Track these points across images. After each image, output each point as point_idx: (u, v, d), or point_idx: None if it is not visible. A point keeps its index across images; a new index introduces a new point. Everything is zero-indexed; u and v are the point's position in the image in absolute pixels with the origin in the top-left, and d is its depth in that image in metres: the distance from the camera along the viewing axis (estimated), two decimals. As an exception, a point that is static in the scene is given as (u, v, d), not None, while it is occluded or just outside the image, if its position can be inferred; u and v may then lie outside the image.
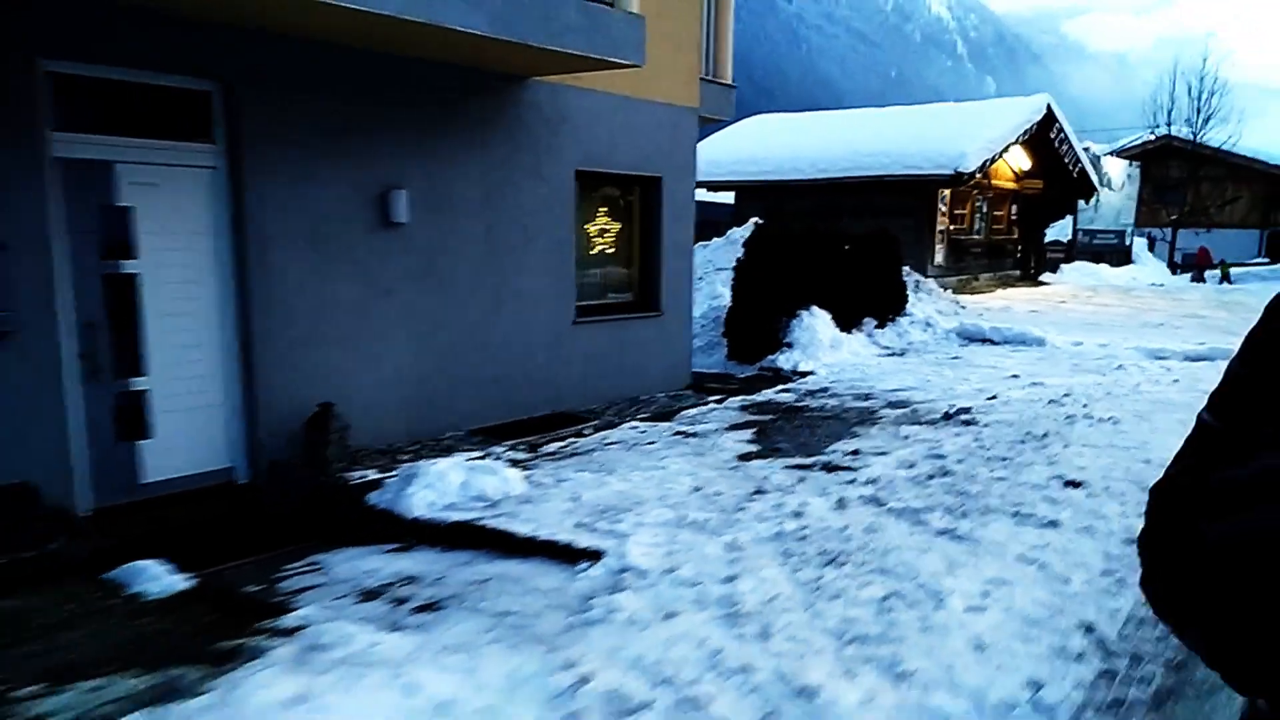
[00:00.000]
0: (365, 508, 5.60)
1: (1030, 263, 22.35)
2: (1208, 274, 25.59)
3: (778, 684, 2.90)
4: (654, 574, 3.99)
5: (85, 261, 5.34)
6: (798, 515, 4.75)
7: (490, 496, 5.53)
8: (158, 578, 4.30)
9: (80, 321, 5.32)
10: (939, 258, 18.49)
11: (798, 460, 6.19)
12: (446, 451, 6.70)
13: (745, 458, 6.33)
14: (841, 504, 4.95)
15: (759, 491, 5.33)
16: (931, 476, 5.57)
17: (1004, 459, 6.03)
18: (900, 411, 7.98)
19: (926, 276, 16.32)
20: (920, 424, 7.42)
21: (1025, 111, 18.23)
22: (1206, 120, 32.64)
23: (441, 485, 5.60)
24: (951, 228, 18.88)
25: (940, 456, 6.13)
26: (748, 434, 7.20)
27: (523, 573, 4.32)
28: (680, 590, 3.78)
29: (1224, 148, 32.01)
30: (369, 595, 4.15)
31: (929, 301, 14.90)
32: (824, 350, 11.00)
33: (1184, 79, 33.30)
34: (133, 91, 5.47)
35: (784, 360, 10.70)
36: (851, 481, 5.51)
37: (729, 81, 10.28)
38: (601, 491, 5.48)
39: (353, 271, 6.52)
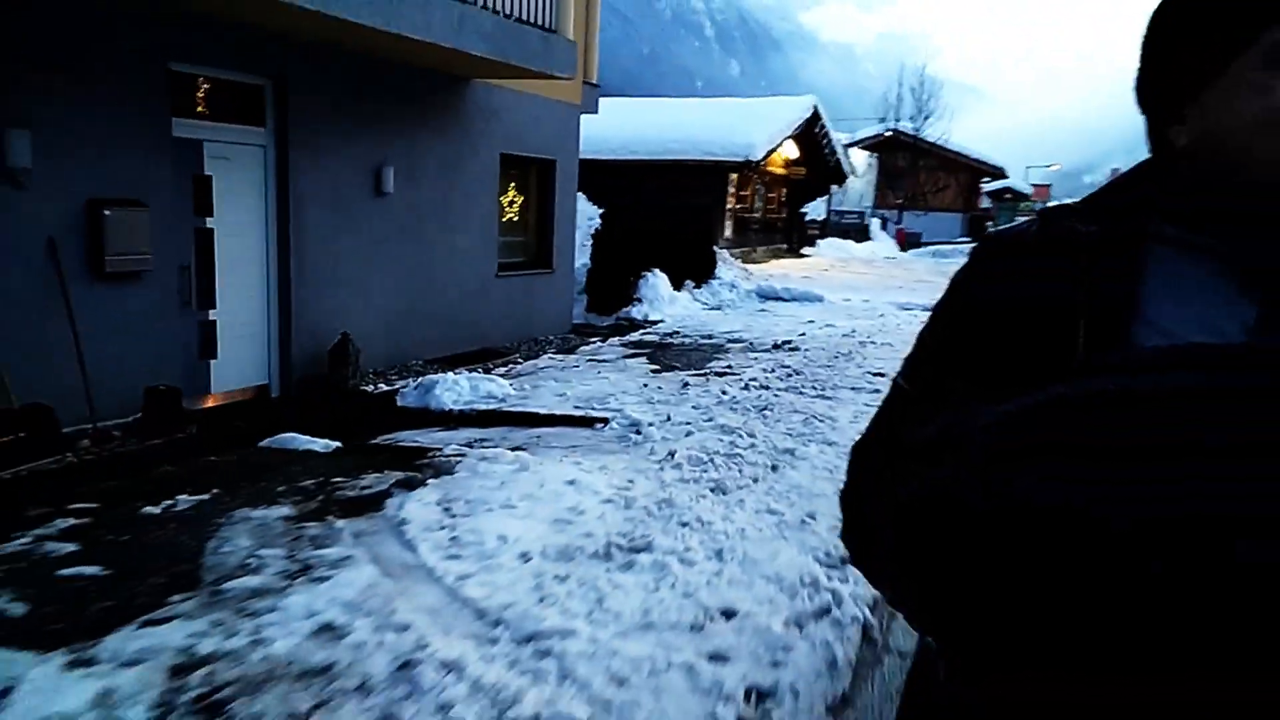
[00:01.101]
0: (400, 408, 7.55)
1: (794, 238, 26.49)
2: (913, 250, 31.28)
3: (771, 450, 5.48)
4: (656, 423, 6.45)
5: (183, 218, 6.88)
6: (723, 393, 7.38)
7: (496, 395, 7.68)
8: (310, 443, 6.16)
9: (179, 265, 6.87)
10: (728, 232, 21.85)
11: (693, 372, 8.81)
12: (417, 374, 8.68)
13: (655, 372, 8.86)
14: (746, 387, 7.65)
15: (685, 385, 7.91)
16: (790, 374, 8.42)
17: (828, 365, 9.02)
18: (741, 344, 10.84)
19: (719, 248, 19.53)
20: (760, 351, 10.29)
21: (798, 109, 21.95)
22: (926, 117, 38.95)
23: (457, 389, 7.67)
24: (737, 206, 22.33)
25: (786, 366, 9.00)
26: (643, 359, 9.73)
27: (560, 432, 6.59)
28: (680, 427, 6.27)
29: (939, 142, 38.41)
30: (468, 445, 6.26)
31: (727, 268, 18.09)
32: (665, 304, 13.73)
33: (909, 81, 39.27)
34: (214, 85, 7.02)
35: (636, 312, 13.31)
36: (740, 379, 8.22)
37: (595, 81, 12.62)
38: (577, 389, 7.81)
39: (356, 228, 8.31)
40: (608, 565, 3.67)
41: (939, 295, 0.96)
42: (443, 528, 4.08)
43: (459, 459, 5.46)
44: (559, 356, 9.94)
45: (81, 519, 4.25)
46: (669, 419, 6.53)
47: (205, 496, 4.63)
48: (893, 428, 0.92)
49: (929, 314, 0.96)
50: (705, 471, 5.08)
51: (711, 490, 4.74)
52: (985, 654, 0.76)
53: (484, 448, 5.82)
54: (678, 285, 14.77)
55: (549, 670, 2.81)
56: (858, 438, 0.97)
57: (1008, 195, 40.06)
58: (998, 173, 41.22)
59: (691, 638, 3.08)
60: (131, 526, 4.15)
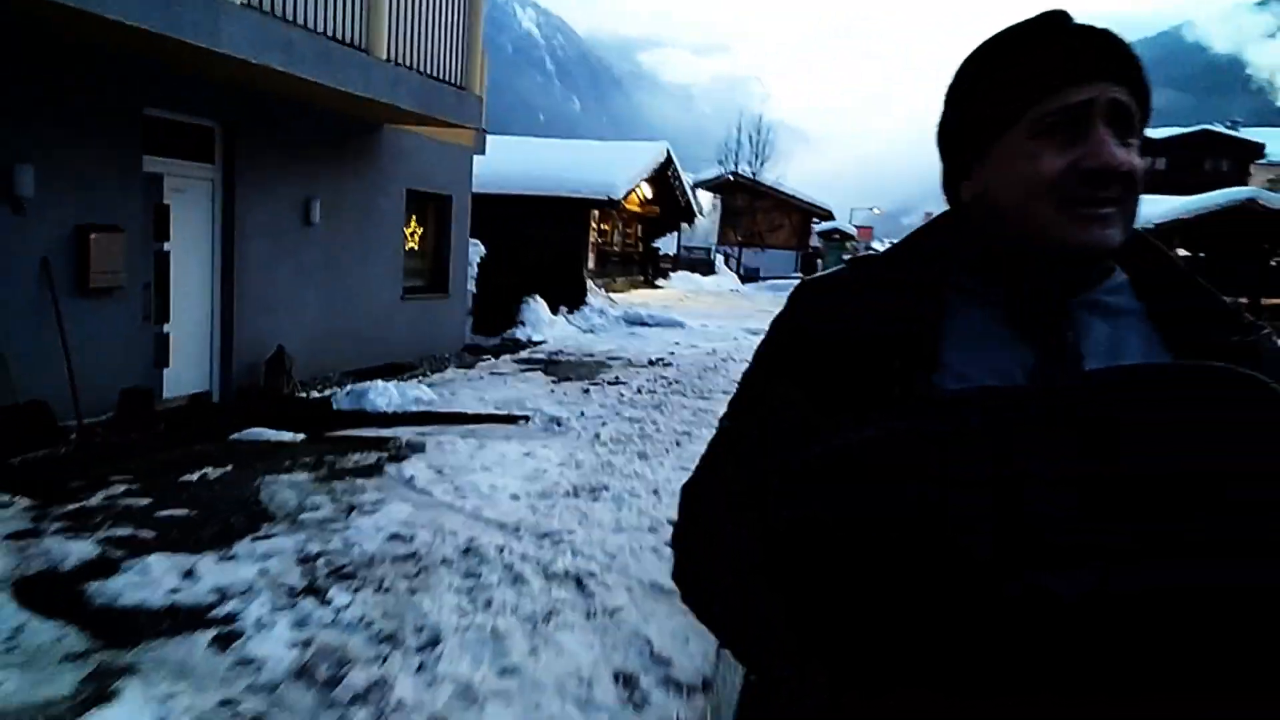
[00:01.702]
0: (336, 410, 8.59)
1: (649, 270, 28.46)
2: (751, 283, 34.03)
3: (672, 432, 6.99)
4: (573, 418, 7.84)
5: (147, 241, 7.73)
6: (621, 396, 8.86)
7: (423, 399, 8.84)
8: (278, 435, 7.17)
9: (143, 283, 7.71)
10: (591, 263, 23.47)
11: (588, 382, 10.25)
12: (336, 385, 9.69)
13: (555, 381, 10.23)
14: (638, 391, 9.16)
15: (586, 391, 9.34)
16: (670, 383, 10.01)
17: (700, 377, 10.67)
18: (621, 361, 12.37)
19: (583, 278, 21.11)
20: (639, 366, 11.85)
21: (653, 153, 23.94)
22: (762, 162, 42.24)
23: (388, 394, 8.78)
24: (599, 240, 24.01)
25: (665, 377, 10.59)
26: (539, 372, 11.07)
27: (489, 428, 7.86)
28: (594, 420, 7.69)
29: (774, 185, 41.69)
30: (419, 435, 7.42)
31: (595, 296, 19.67)
32: (546, 327, 15.12)
33: (747, 127, 42.55)
34: (173, 126, 7.94)
35: (520, 333, 14.62)
36: (630, 386, 9.73)
37: (484, 127, 13.94)
38: (492, 395, 9.09)
39: (287, 254, 9.28)
40: (579, 500, 5.05)
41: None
42: (443, 481, 5.34)
43: (421, 443, 6.67)
44: (461, 371, 11.13)
45: (132, 485, 5.22)
46: (583, 414, 7.94)
47: (228, 469, 5.67)
48: (729, 466, 0.96)
49: (753, 358, 1.00)
50: (628, 447, 6.54)
51: (638, 456, 6.21)
52: (840, 676, 0.81)
53: (434, 437, 7.03)
54: (554, 310, 16.18)
55: (564, 550, 4.17)
56: (686, 479, 1.00)
57: (835, 235, 43.86)
58: (826, 214, 45.03)
59: (650, 535, 4.51)
60: (184, 488, 5.17)
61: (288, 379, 9.03)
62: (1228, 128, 68.56)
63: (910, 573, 0.78)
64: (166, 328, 8.08)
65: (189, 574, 3.74)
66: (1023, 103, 0.89)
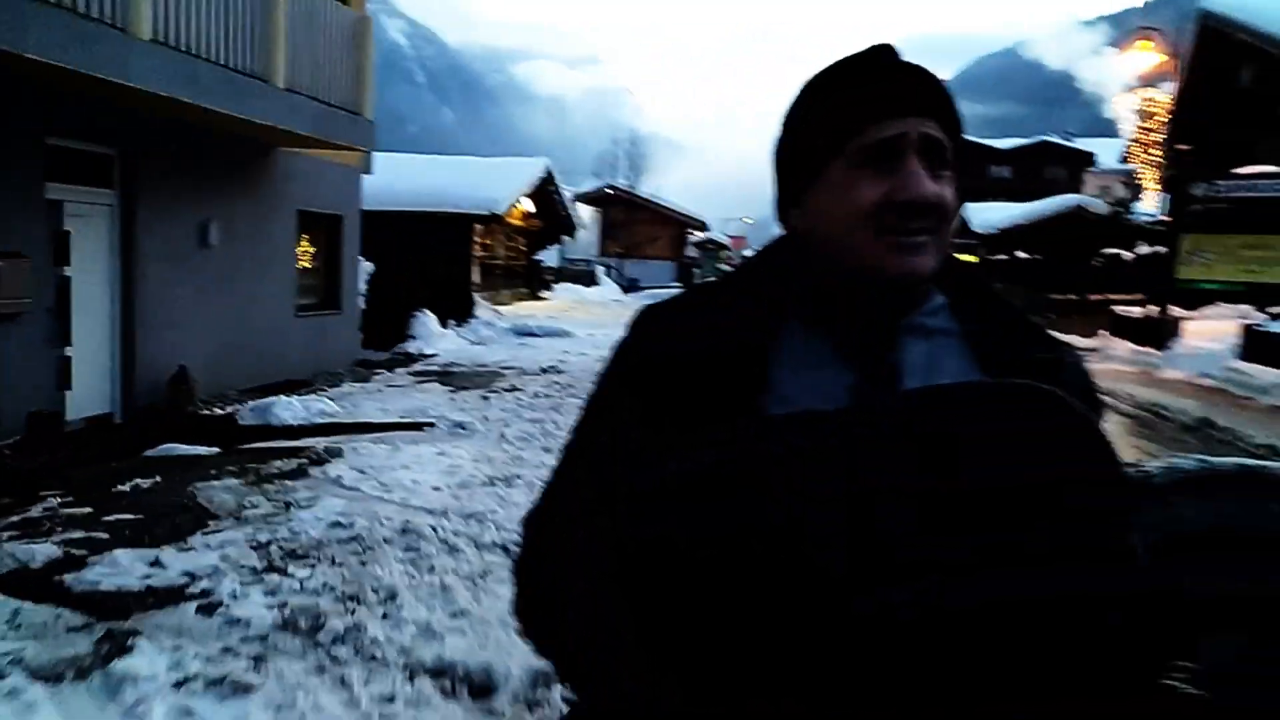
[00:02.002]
0: (243, 425, 8.90)
1: (533, 282, 29.04)
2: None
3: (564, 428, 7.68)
4: (476, 422, 8.44)
5: (48, 267, 7.90)
6: (519, 401, 9.50)
7: (328, 411, 9.24)
8: (192, 449, 7.48)
9: (45, 307, 7.87)
10: (476, 277, 23.90)
11: (485, 390, 10.82)
12: (235, 402, 9.97)
13: (453, 391, 10.76)
14: (535, 396, 9.82)
15: (485, 398, 9.93)
16: (564, 388, 10.70)
17: (592, 382, 11.40)
18: (514, 370, 12.97)
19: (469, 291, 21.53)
20: (531, 375, 12.49)
21: (534, 169, 24.57)
22: (639, 176, 43.45)
23: (293, 408, 9.14)
24: (483, 254, 24.45)
25: (558, 383, 11.27)
26: (435, 383, 11.56)
27: (397, 435, 8.34)
28: (496, 423, 8.31)
29: (651, 197, 42.96)
30: (332, 444, 7.86)
31: (482, 309, 20.14)
32: (436, 340, 15.55)
33: (623, 143, 43.74)
34: (73, 154, 8.13)
35: (412, 346, 15.01)
36: (526, 393, 10.37)
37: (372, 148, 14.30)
38: (394, 405, 9.56)
39: (186, 276, 9.51)
40: (496, 488, 5.69)
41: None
42: (368, 479, 5.88)
43: (338, 449, 7.15)
44: (358, 384, 11.51)
45: (66, 498, 5.55)
46: (486, 418, 8.55)
47: (157, 479, 6.03)
48: (577, 491, 0.97)
49: (596, 383, 1.01)
50: (532, 443, 7.21)
51: (543, 451, 6.88)
52: (693, 693, 0.83)
53: (348, 444, 7.51)
54: (443, 324, 16.61)
55: (489, 526, 4.82)
56: (529, 510, 0.99)
57: (710, 245, 45.51)
58: (700, 225, 46.64)
59: (561, 513, 5.21)
60: (121, 497, 5.54)
61: (190, 397, 9.26)
62: (1064, 138, 74.29)
63: (763, 590, 0.81)
64: (68, 350, 8.23)
65: (155, 563, 4.20)
66: (843, 134, 0.93)
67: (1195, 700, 0.94)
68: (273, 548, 4.47)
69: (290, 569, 4.15)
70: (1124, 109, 23.41)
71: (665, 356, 0.95)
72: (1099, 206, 26.00)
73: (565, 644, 0.94)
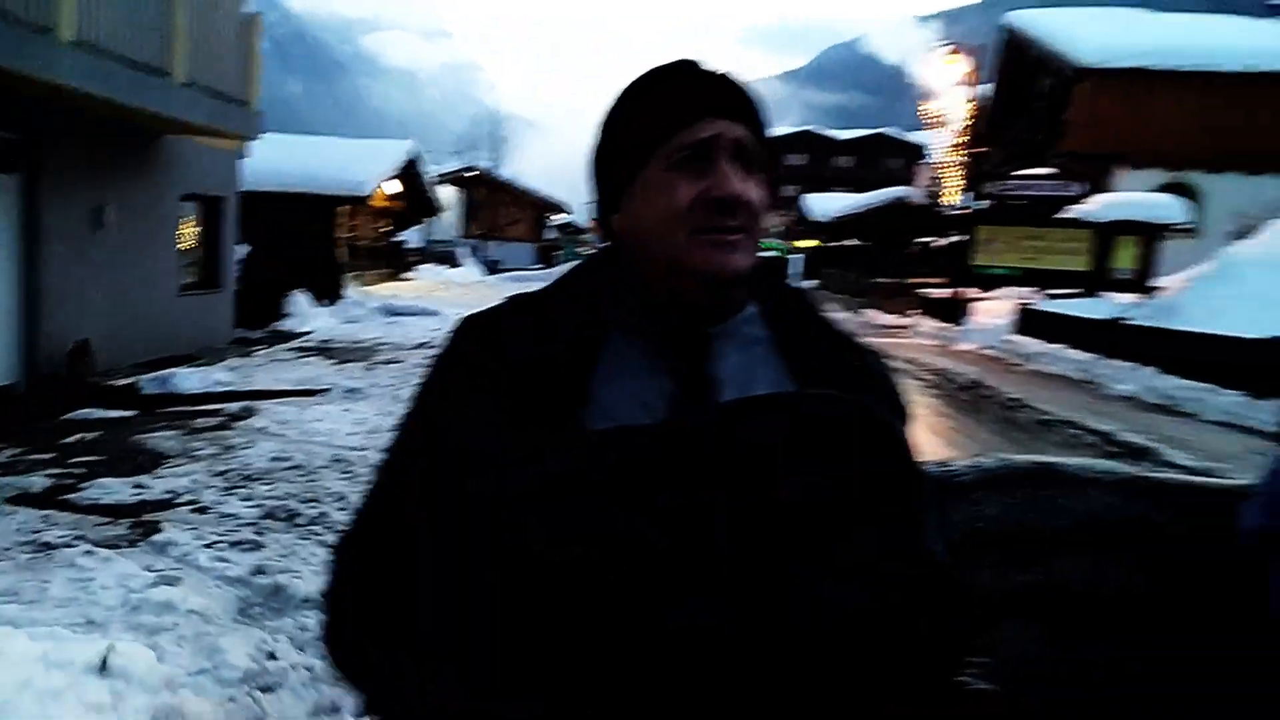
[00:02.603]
0: (145, 394, 9.72)
1: (397, 263, 29.64)
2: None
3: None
4: (368, 388, 9.60)
5: (-41, 246, 8.53)
6: (403, 372, 10.68)
7: (225, 383, 10.15)
8: (108, 413, 8.34)
9: (-43, 283, 8.51)
10: (342, 258, 24.43)
11: (367, 363, 11.89)
12: (128, 375, 10.72)
13: (337, 363, 11.79)
14: (415, 367, 11.02)
15: (370, 369, 11.05)
16: (442, 359, 11.94)
17: (465, 354, 12.68)
18: (390, 346, 14.03)
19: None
20: (407, 349, 13.59)
21: (400, 151, 25.26)
22: (500, 157, 44.24)
23: (193, 378, 10.01)
24: (349, 235, 24.97)
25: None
26: (318, 357, 12.53)
27: (296, 400, 9.43)
28: (387, 388, 9.49)
29: (511, 180, 43.87)
30: (241, 407, 8.85)
31: (350, 289, 20.84)
32: (310, 319, 16.34)
33: (484, 124, 44.38)
34: (-21, 140, 8.74)
35: (287, 325, 15.76)
36: (406, 364, 11.53)
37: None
38: (286, 376, 10.56)
39: (85, 256, 10.16)
40: (400, 432, 6.99)
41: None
42: (289, 429, 7.04)
43: (251, 409, 8.22)
44: (243, 359, 12.34)
45: (18, 450, 6.46)
46: (375, 384, 9.73)
47: (97, 435, 6.98)
48: (401, 509, 0.94)
49: (414, 399, 1.01)
50: (423, 401, 8.49)
51: (434, 406, 8.17)
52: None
53: (257, 406, 8.56)
54: (315, 303, 17.36)
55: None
56: (342, 535, 0.97)
57: (570, 229, 46.83)
58: (560, 208, 47.90)
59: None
60: (75, 446, 6.49)
61: (90, 369, 9.97)
62: (900, 131, 79.55)
63: (586, 602, 0.82)
64: (-25, 324, 8.86)
65: (139, 486, 5.29)
66: (658, 138, 0.95)
67: (989, 695, 0.95)
68: (231, 474, 5.63)
69: (253, 486, 5.33)
70: (948, 107, 26.25)
71: (486, 369, 0.94)
72: (918, 198, 28.97)
73: (389, 675, 0.89)
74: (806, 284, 38.80)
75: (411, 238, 32.37)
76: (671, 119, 0.96)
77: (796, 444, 0.89)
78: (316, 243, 18.31)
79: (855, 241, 31.92)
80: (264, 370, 11.04)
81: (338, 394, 9.36)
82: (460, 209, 40.04)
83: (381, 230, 28.51)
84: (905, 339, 19.16)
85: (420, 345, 13.96)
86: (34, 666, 2.20)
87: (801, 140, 77.56)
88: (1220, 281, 15.39)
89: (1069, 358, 13.52)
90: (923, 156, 76.67)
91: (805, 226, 39.87)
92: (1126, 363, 12.12)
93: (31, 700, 2.09)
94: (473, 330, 1.03)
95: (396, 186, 27.13)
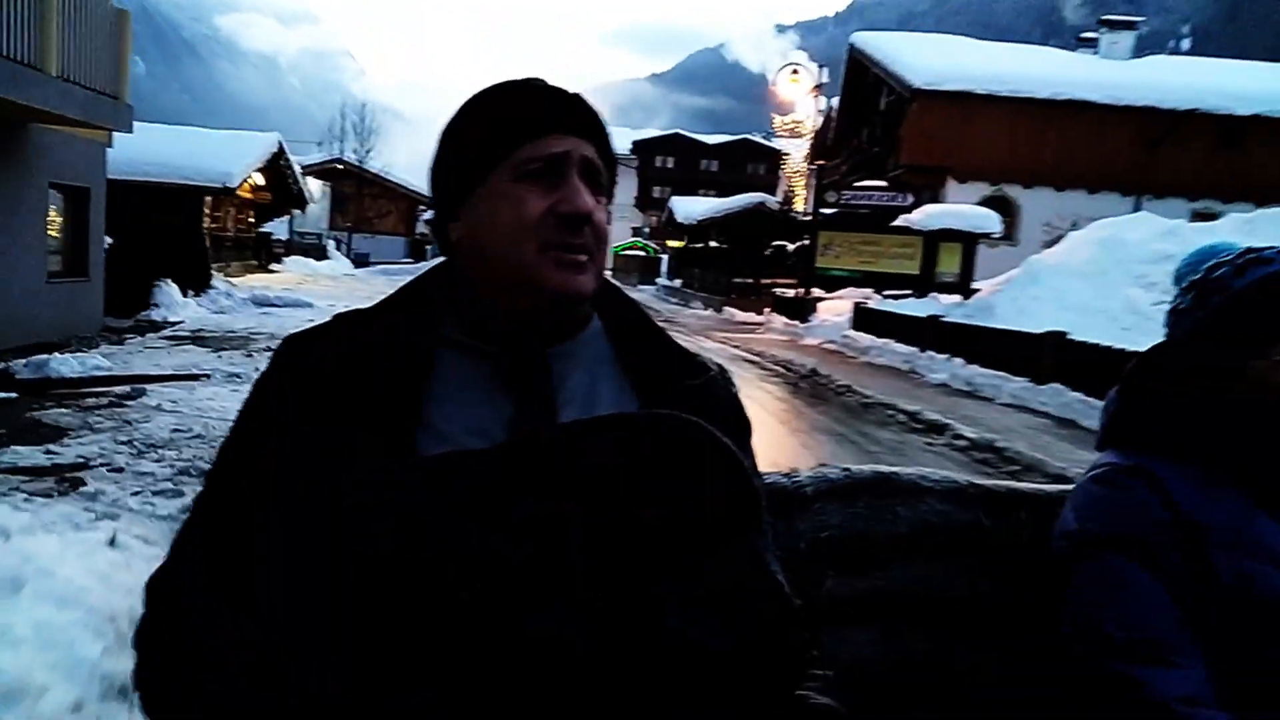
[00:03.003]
0: (21, 379, 9.91)
1: (263, 255, 29.30)
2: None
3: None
4: (249, 373, 10.10)
5: None
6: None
7: (103, 366, 10.43)
8: (-9, 395, 8.60)
9: None
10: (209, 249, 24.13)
11: (245, 350, 12.27)
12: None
13: (215, 351, 12.12)
14: (296, 354, 11.56)
15: (249, 356, 11.47)
16: (319, 348, 12.45)
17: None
18: (264, 334, 14.36)
19: (202, 261, 21.91)
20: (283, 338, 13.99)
21: (267, 144, 25.11)
22: (369, 150, 43.88)
23: (70, 363, 10.23)
24: (214, 226, 24.65)
25: (311, 345, 12.97)
26: (192, 345, 12.79)
27: (178, 385, 9.86)
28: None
29: (380, 172, 43.60)
30: (126, 389, 9.22)
31: (218, 280, 20.75)
32: (179, 308, 16.39)
33: (351, 115, 43.81)
34: None
35: (156, 314, 15.79)
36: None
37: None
38: (164, 362, 10.91)
39: (-49, 243, 10.23)
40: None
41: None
42: (183, 406, 7.59)
43: (140, 390, 8.66)
44: (116, 347, 12.50)
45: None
46: (256, 369, 10.20)
47: (-9, 412, 7.35)
48: (227, 539, 0.91)
49: (235, 429, 0.97)
50: (306, 383, 9.11)
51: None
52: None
53: (143, 389, 8.98)
54: (184, 293, 17.37)
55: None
56: (154, 574, 0.95)
57: (441, 222, 46.84)
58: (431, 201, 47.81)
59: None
60: (-27, 422, 6.89)
61: (-40, 354, 10.07)
62: (764, 137, 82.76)
63: (443, 618, 0.81)
64: None
65: (49, 452, 5.83)
66: (508, 146, 0.94)
67: (826, 710, 0.95)
68: (136, 443, 6.22)
69: (160, 452, 5.96)
70: (798, 120, 28.10)
71: (313, 392, 0.91)
72: (773, 203, 30.87)
73: (208, 710, 0.86)
74: (674, 282, 40.39)
75: (277, 230, 31.98)
76: (522, 129, 0.95)
77: (637, 466, 0.89)
78: (182, 234, 18.24)
79: (716, 243, 33.59)
80: (141, 356, 11.32)
81: (220, 378, 9.84)
82: (327, 201, 39.57)
83: (246, 221, 28.18)
84: (759, 334, 20.72)
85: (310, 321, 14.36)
86: (60, 543, 2.93)
87: (671, 143, 79.40)
88: (1026, 285, 17.53)
89: (895, 351, 15.22)
90: (784, 162, 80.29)
91: (672, 227, 41.44)
92: (941, 355, 13.83)
93: (71, 561, 2.83)
94: (296, 352, 0.98)
95: (262, 179, 26.93)
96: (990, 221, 19.95)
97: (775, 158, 78.33)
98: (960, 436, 9.14)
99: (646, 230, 63.61)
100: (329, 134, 44.16)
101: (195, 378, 10.04)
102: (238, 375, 9.93)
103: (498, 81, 1.01)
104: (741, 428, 1.04)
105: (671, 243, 44.78)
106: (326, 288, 25.02)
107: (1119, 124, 24.94)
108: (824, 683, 0.98)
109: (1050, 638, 1.26)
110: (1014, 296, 17.12)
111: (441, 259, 1.06)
